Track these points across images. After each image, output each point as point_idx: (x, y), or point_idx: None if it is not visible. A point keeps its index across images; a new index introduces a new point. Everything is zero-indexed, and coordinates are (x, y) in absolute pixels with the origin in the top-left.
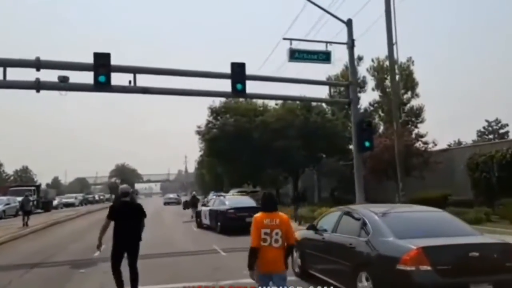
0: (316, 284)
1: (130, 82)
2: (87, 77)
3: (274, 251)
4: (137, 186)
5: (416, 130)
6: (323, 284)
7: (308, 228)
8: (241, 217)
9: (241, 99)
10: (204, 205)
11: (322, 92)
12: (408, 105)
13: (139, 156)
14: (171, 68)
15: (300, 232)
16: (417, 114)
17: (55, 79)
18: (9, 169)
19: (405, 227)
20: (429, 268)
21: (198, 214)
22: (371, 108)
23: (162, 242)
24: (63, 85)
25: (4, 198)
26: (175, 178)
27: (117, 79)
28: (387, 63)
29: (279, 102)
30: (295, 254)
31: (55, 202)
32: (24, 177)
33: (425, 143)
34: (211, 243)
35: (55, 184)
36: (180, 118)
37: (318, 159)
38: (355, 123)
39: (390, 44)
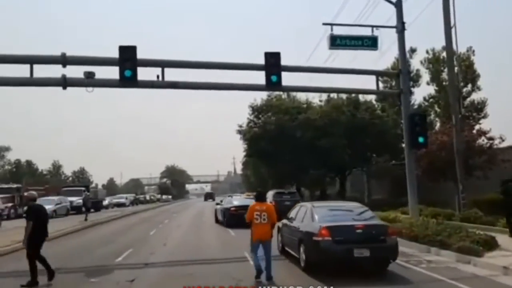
0: (286, 256)
1: (158, 76)
2: (114, 73)
3: (263, 226)
4: (188, 187)
5: (478, 127)
6: (293, 257)
7: (286, 218)
8: (241, 213)
9: (283, 96)
10: (218, 204)
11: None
12: (468, 99)
13: (190, 158)
14: (201, 61)
15: (282, 221)
16: (478, 109)
17: (81, 75)
18: (68, 171)
19: (327, 215)
20: (330, 239)
21: (215, 212)
22: (426, 103)
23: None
24: (89, 81)
25: (55, 198)
26: (224, 179)
27: (145, 74)
28: (443, 54)
29: (323, 98)
30: (278, 236)
31: (105, 202)
32: (81, 178)
33: (490, 138)
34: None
35: (110, 185)
36: (229, 117)
37: (367, 158)
38: (406, 116)
39: (448, 27)
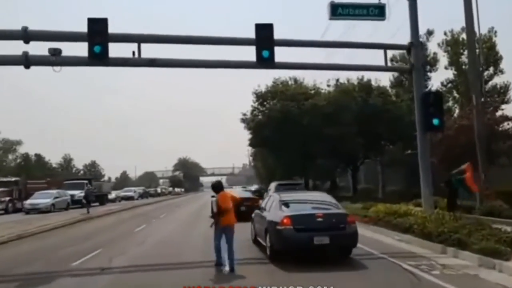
0: (258, 245)
1: (134, 53)
2: (85, 49)
3: (230, 213)
4: (202, 179)
5: (500, 112)
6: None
7: (258, 208)
8: (235, 206)
9: (290, 82)
10: (213, 196)
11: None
12: (490, 82)
13: (204, 150)
14: (183, 35)
15: (255, 211)
16: (501, 93)
17: (46, 53)
18: (79, 164)
19: (292, 205)
20: (291, 227)
21: (211, 205)
22: (444, 88)
23: None
24: (55, 59)
25: (54, 191)
26: (240, 171)
27: (121, 50)
28: (463, 36)
29: (332, 83)
30: (251, 226)
31: (112, 196)
32: (92, 171)
33: None
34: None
35: (123, 178)
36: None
37: (380, 147)
38: (418, 96)
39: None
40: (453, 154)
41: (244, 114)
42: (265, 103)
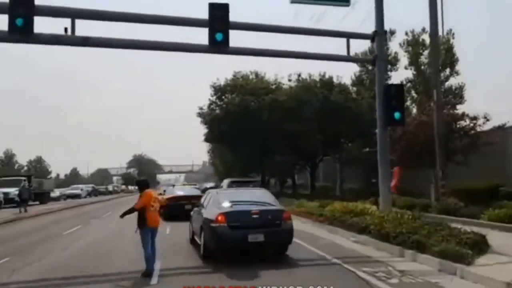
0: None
1: (66, 30)
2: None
3: (156, 214)
4: (161, 177)
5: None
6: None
7: (196, 206)
8: (182, 205)
9: (251, 76)
10: (160, 194)
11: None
12: (447, 83)
13: (163, 147)
14: (124, 11)
15: (194, 208)
16: (456, 94)
17: None
18: (23, 160)
19: (228, 201)
20: (225, 225)
21: None
22: None
23: None
24: None
25: None
26: (199, 169)
27: (53, 26)
28: (423, 36)
29: (293, 78)
30: (189, 225)
31: (56, 194)
32: (38, 168)
33: (474, 118)
34: None
35: (74, 175)
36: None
37: (339, 145)
38: (380, 87)
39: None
40: (413, 151)
41: (201, 108)
42: (223, 97)
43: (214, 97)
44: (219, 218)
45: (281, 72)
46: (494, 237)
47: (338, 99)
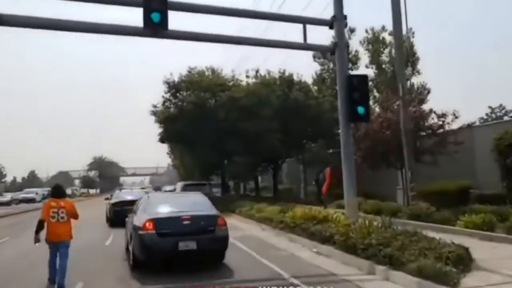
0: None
1: None
2: None
3: (61, 225)
4: (125, 179)
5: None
6: None
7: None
8: (127, 210)
9: (207, 73)
10: (106, 199)
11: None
12: (408, 82)
13: (127, 148)
14: None
15: (129, 214)
16: (418, 93)
17: None
18: None
19: (160, 206)
20: (153, 232)
21: (106, 210)
22: None
23: None
24: None
25: None
26: (165, 171)
27: None
28: (383, 34)
29: (251, 74)
30: (125, 232)
31: (7, 198)
32: None
33: (443, 115)
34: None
35: (31, 178)
36: None
37: (301, 145)
38: (341, 79)
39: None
40: (377, 151)
41: (155, 106)
42: (178, 94)
43: (168, 94)
44: (147, 224)
45: (239, 69)
46: (476, 248)
47: (298, 97)
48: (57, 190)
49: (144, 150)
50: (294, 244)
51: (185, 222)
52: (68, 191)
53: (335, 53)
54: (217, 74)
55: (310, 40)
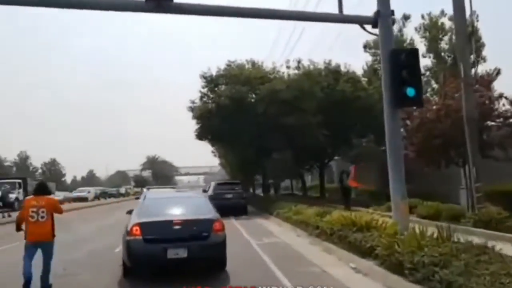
0: None
1: None
2: None
3: (42, 225)
4: (180, 179)
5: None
6: None
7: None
8: None
9: (247, 66)
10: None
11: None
12: (473, 70)
13: (181, 148)
14: None
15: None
16: (486, 75)
17: None
18: (37, 162)
19: (154, 209)
20: (140, 237)
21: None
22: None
23: None
24: None
25: None
26: (218, 170)
27: None
28: (442, 20)
29: (293, 65)
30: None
31: (60, 197)
32: (52, 170)
33: None
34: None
35: (90, 177)
36: None
37: (347, 141)
38: (386, 55)
39: None
40: (434, 145)
41: (193, 102)
42: (216, 88)
43: (206, 89)
44: (134, 229)
45: (281, 61)
46: None
47: (345, 88)
48: (40, 187)
49: (197, 148)
50: (330, 256)
51: (176, 227)
52: (122, 189)
53: (378, 24)
54: (257, 66)
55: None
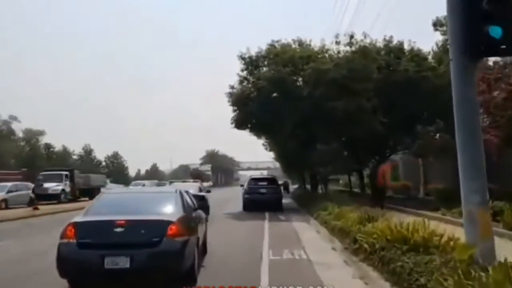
0: None
1: None
2: None
3: None
4: (242, 173)
5: None
6: None
7: None
8: None
9: (294, 45)
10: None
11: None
12: None
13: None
14: None
15: None
16: None
17: None
18: (100, 155)
19: (105, 206)
20: (74, 241)
21: None
22: None
23: None
24: None
25: (9, 184)
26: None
27: None
28: None
29: (344, 40)
30: None
31: (112, 190)
32: (115, 163)
33: None
34: None
35: (154, 171)
36: None
37: (411, 131)
38: None
39: None
40: None
41: (232, 87)
42: (255, 71)
43: (245, 72)
44: (68, 230)
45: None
46: None
47: (409, 67)
48: None
49: (259, 143)
50: None
51: (118, 230)
52: (178, 182)
53: None
54: (305, 46)
55: None
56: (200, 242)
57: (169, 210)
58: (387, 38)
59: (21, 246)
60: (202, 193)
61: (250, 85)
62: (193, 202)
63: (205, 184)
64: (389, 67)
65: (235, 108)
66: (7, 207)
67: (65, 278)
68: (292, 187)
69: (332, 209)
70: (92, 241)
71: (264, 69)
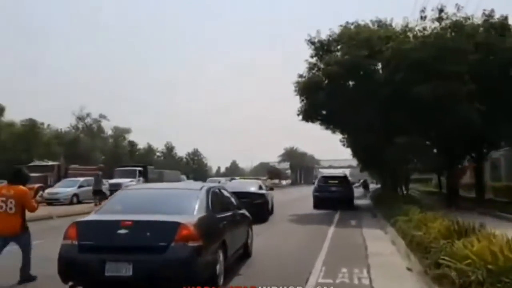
0: None
1: None
2: None
3: (8, 217)
4: (323, 171)
5: None
6: None
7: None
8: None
9: (372, 26)
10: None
11: None
12: None
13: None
14: None
15: None
16: None
17: None
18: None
19: (118, 204)
20: (75, 243)
21: None
22: None
23: None
24: None
25: (81, 179)
26: None
27: None
28: None
29: (432, 15)
30: None
31: None
32: (195, 160)
33: None
34: None
35: (233, 168)
36: None
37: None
38: None
39: None
40: None
41: (300, 76)
42: (326, 57)
43: (315, 58)
44: (70, 231)
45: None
46: None
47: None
48: (14, 175)
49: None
50: None
51: (122, 232)
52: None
53: None
54: (385, 27)
55: None
56: (238, 246)
57: (186, 210)
58: (486, 12)
59: None
60: (262, 191)
61: (319, 72)
62: (231, 201)
63: (283, 182)
64: (489, 45)
65: (302, 98)
66: (79, 202)
67: (66, 283)
68: (375, 186)
69: (413, 214)
70: (93, 244)
71: (337, 54)
